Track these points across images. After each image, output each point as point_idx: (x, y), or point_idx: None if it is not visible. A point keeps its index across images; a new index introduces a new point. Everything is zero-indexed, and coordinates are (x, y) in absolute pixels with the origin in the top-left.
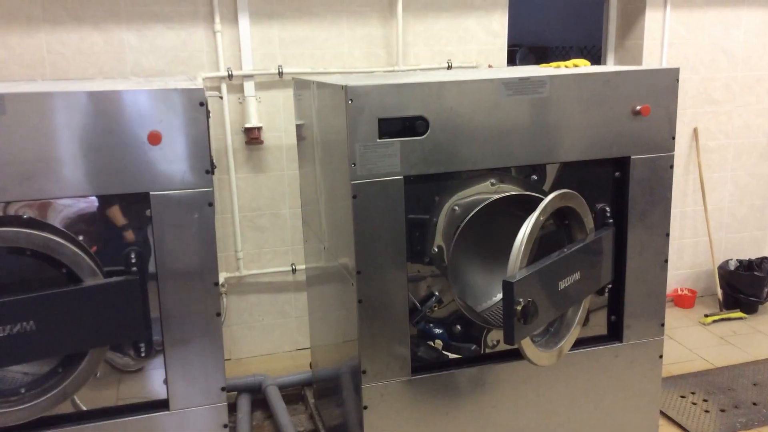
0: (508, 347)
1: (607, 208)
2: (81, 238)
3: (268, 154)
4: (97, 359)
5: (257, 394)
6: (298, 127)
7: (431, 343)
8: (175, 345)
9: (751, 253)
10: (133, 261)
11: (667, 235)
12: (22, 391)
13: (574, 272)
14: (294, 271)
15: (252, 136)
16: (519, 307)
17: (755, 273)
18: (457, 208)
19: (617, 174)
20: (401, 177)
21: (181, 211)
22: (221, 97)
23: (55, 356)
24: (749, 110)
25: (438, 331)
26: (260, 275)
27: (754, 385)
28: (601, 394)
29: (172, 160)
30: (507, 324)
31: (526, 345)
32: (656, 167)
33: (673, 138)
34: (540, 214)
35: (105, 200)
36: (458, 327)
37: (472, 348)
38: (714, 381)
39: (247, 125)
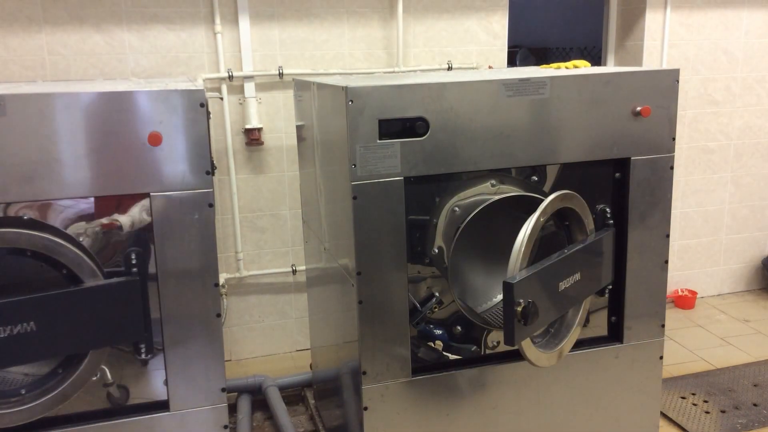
0: (509, 348)
1: (608, 209)
2: (81, 239)
3: (268, 155)
4: (98, 360)
5: (257, 395)
6: (299, 128)
7: (431, 344)
8: (176, 346)
9: (753, 254)
10: (134, 262)
11: (668, 236)
12: (23, 392)
13: (575, 273)
14: (294, 271)
15: (252, 137)
16: (519, 308)
17: None
18: (457, 209)
19: (617, 175)
20: (401, 178)
21: (181, 212)
22: (221, 98)
23: (56, 357)
24: (750, 111)
25: (438, 332)
26: (260, 276)
27: (755, 386)
28: (602, 395)
29: (172, 161)
30: (507, 325)
31: (527, 346)
32: (656, 168)
33: (674, 139)
34: (540, 215)
35: (106, 201)
36: (458, 328)
37: (473, 349)
38: (714, 382)
39: (248, 126)
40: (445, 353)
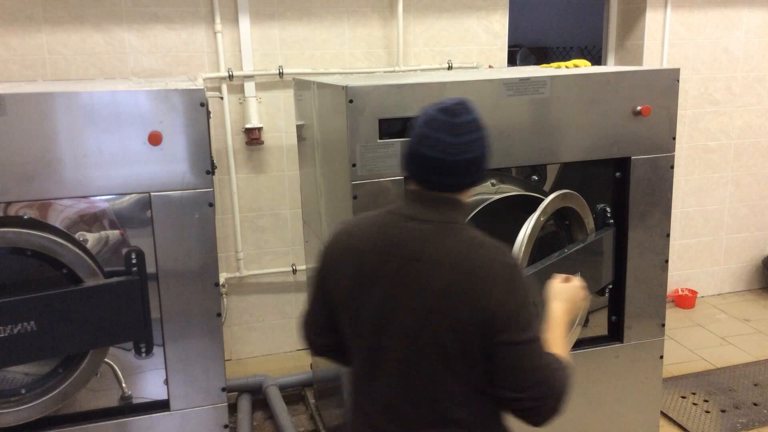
0: None
1: (608, 209)
2: (81, 238)
3: (268, 155)
4: (98, 360)
5: (258, 395)
6: (299, 127)
7: None
8: (176, 345)
9: (753, 253)
10: (134, 261)
11: (668, 235)
12: (23, 391)
13: (575, 273)
14: (294, 271)
15: (252, 137)
16: None
17: None
18: None
19: (618, 174)
20: (402, 177)
21: (181, 211)
22: (222, 98)
23: (56, 357)
24: (750, 110)
25: None
26: (261, 275)
27: (755, 385)
28: (602, 395)
29: (172, 161)
30: None
31: None
32: (657, 167)
33: (674, 138)
34: (540, 214)
35: (107, 201)
36: None
37: None
38: (714, 381)
39: (248, 126)
40: None
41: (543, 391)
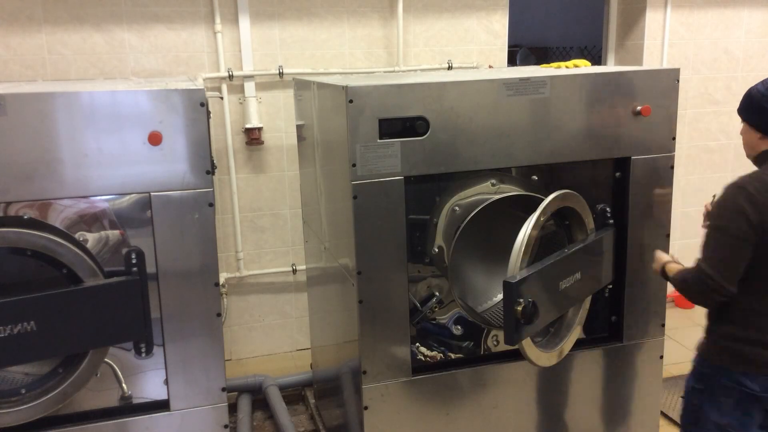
0: (509, 347)
1: (608, 209)
2: (81, 238)
3: (268, 155)
4: (98, 360)
5: (258, 395)
6: (299, 127)
7: (432, 344)
8: (176, 345)
9: None
10: (134, 261)
11: (668, 235)
12: (23, 391)
13: (575, 272)
14: (294, 271)
15: (252, 137)
16: (519, 308)
17: None
18: (457, 208)
19: (618, 174)
20: (402, 177)
21: (181, 211)
22: (222, 98)
23: (56, 357)
24: None
25: (438, 331)
26: (261, 275)
27: None
28: (602, 395)
29: (172, 161)
30: (507, 324)
31: (527, 345)
32: (657, 167)
33: (674, 138)
34: (540, 214)
35: (106, 201)
36: (459, 327)
37: (472, 346)
38: None
39: (248, 126)
40: (445, 352)
41: None
